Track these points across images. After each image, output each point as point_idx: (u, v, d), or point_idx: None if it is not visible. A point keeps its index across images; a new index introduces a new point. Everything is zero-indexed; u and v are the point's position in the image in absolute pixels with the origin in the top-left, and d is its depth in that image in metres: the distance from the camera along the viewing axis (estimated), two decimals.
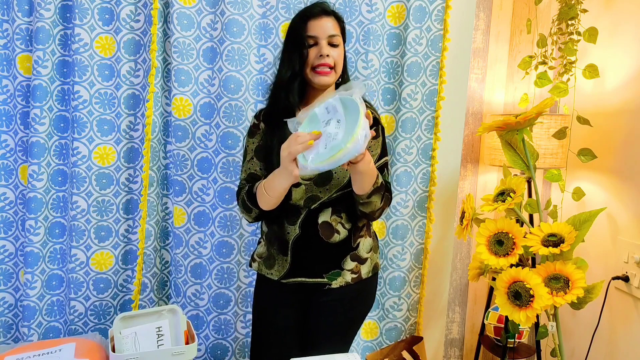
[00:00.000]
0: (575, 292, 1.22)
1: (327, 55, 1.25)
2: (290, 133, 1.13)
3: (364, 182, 1.20)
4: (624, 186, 1.62)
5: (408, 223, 1.88)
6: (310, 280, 1.33)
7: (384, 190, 1.28)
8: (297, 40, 1.28)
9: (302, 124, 1.13)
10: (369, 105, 1.38)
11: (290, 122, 1.14)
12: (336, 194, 1.30)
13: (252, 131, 1.37)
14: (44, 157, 1.65)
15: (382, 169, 1.34)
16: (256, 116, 1.38)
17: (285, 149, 1.10)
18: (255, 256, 1.43)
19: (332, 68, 1.27)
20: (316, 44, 1.26)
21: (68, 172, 1.70)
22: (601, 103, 1.72)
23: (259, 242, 1.44)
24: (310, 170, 1.07)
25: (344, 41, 1.34)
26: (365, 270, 1.37)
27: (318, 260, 1.33)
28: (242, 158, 1.72)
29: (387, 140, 1.41)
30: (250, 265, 1.45)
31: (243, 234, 1.79)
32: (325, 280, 1.33)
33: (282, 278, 1.34)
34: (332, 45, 1.27)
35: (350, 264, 1.34)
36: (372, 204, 1.25)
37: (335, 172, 1.28)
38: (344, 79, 1.37)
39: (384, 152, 1.36)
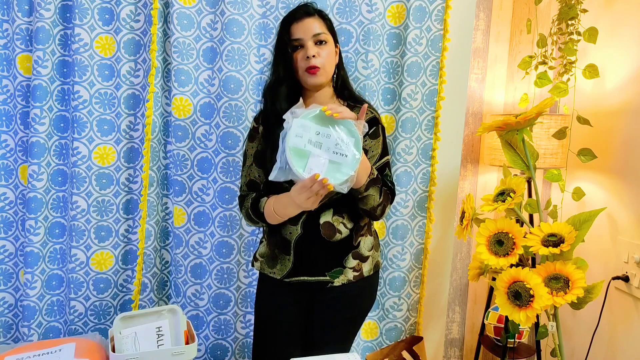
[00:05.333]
0: (575, 292, 1.22)
1: (314, 56, 1.25)
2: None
3: (358, 174, 1.19)
4: (624, 186, 1.62)
5: (408, 223, 1.88)
6: (313, 278, 1.33)
7: (381, 184, 1.28)
8: (282, 46, 1.29)
9: (286, 155, 1.12)
10: (369, 106, 1.38)
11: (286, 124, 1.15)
12: (337, 195, 1.30)
13: (251, 135, 1.38)
14: (44, 157, 1.65)
15: (384, 168, 1.34)
16: (255, 119, 1.39)
17: (307, 199, 1.14)
18: (257, 255, 1.43)
19: (322, 67, 1.26)
20: (302, 46, 1.26)
21: (68, 172, 1.71)
22: (601, 103, 1.72)
23: (261, 242, 1.44)
24: (344, 186, 1.14)
25: (335, 39, 1.34)
26: (366, 268, 1.37)
27: (320, 259, 1.33)
28: (241, 160, 1.73)
29: (387, 140, 1.42)
30: (253, 265, 1.45)
31: (243, 234, 1.79)
32: (328, 278, 1.33)
33: (285, 277, 1.35)
34: (319, 43, 1.27)
35: (352, 262, 1.34)
36: (370, 198, 1.25)
37: None
38: (339, 76, 1.36)
39: (384, 151, 1.36)
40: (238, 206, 1.38)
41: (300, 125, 1.11)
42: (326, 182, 1.09)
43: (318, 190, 1.11)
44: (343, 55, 1.62)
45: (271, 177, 1.14)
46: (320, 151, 1.12)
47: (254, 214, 1.30)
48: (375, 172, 1.25)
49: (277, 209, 1.24)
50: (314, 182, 1.09)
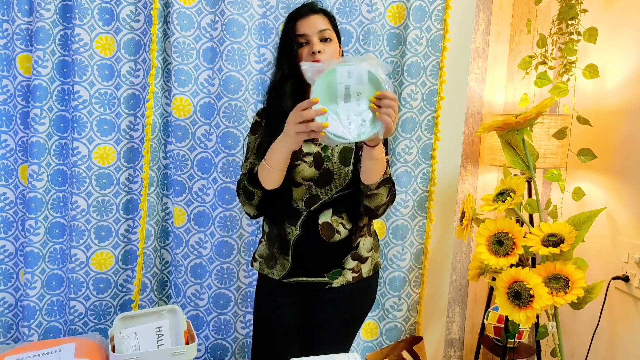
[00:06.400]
0: (575, 292, 1.22)
1: (319, 52, 1.23)
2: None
3: (375, 169, 1.19)
4: (624, 186, 1.62)
5: (408, 223, 1.88)
6: (311, 279, 1.33)
7: (391, 184, 1.27)
8: (286, 43, 1.28)
9: (319, 76, 1.06)
10: None
11: (308, 66, 1.08)
12: (337, 195, 1.30)
13: (254, 128, 1.37)
14: (44, 157, 1.65)
15: None
16: (258, 114, 1.38)
17: (294, 123, 1.07)
18: (256, 256, 1.43)
19: None
20: (307, 42, 1.26)
21: (68, 172, 1.71)
22: (601, 103, 1.72)
23: (260, 242, 1.44)
24: (332, 142, 1.07)
25: (339, 38, 1.33)
26: (366, 269, 1.37)
27: (319, 260, 1.33)
28: (242, 157, 1.73)
29: (388, 140, 1.43)
30: (252, 265, 1.45)
31: (243, 234, 1.79)
32: (326, 279, 1.33)
33: (284, 278, 1.34)
34: (324, 40, 1.26)
35: (351, 263, 1.34)
36: (378, 196, 1.24)
37: (337, 174, 1.28)
38: None
39: (385, 151, 1.35)
40: (236, 191, 1.35)
41: (359, 69, 1.06)
42: (325, 126, 1.04)
43: (309, 122, 1.05)
44: (344, 55, 1.62)
45: (303, 66, 1.08)
46: (343, 103, 1.07)
47: (251, 182, 1.24)
48: (389, 172, 1.24)
49: (267, 156, 1.19)
50: (310, 104, 1.05)
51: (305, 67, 1.08)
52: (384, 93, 1.06)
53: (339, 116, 1.07)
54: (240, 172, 1.41)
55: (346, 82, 1.06)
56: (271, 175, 1.20)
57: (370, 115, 1.08)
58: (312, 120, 1.05)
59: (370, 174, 1.20)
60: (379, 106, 1.06)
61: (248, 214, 1.32)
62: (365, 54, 1.09)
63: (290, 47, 1.27)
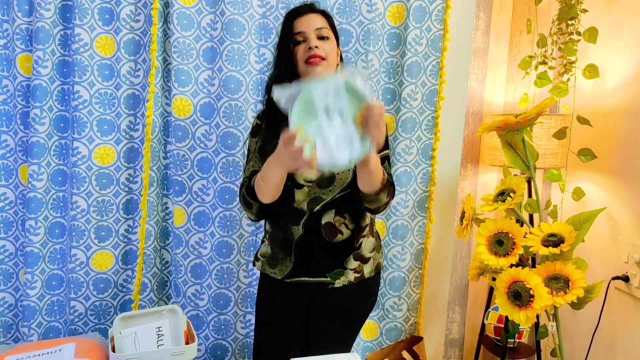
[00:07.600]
0: (575, 292, 1.22)
1: (317, 47, 1.23)
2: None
3: (373, 181, 1.19)
4: (624, 186, 1.62)
5: (408, 223, 1.88)
6: (314, 279, 1.33)
7: (389, 185, 1.27)
8: (284, 41, 1.29)
9: (294, 104, 1.00)
10: None
11: (279, 92, 1.01)
12: (339, 195, 1.30)
13: (254, 131, 1.37)
14: (44, 157, 1.65)
15: (383, 161, 1.33)
16: (258, 116, 1.39)
17: (285, 159, 1.06)
18: (258, 255, 1.43)
19: (325, 59, 1.25)
20: (305, 40, 1.26)
21: (68, 172, 1.71)
22: (601, 103, 1.72)
23: (262, 242, 1.44)
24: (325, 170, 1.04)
25: (337, 39, 1.34)
26: (368, 269, 1.37)
27: (321, 260, 1.33)
28: (242, 158, 1.73)
29: (388, 137, 1.44)
30: (254, 264, 1.45)
31: (243, 234, 1.79)
32: (328, 279, 1.33)
33: (286, 277, 1.34)
34: (322, 38, 1.26)
35: (353, 264, 1.34)
36: (379, 200, 1.25)
37: (338, 174, 1.28)
38: None
39: (385, 145, 1.34)
40: (239, 197, 1.36)
41: (334, 84, 0.99)
42: (313, 161, 1.01)
43: (297, 152, 1.01)
44: (343, 55, 1.62)
45: (275, 93, 1.03)
46: (327, 125, 1.01)
47: (248, 194, 1.26)
48: (385, 177, 1.24)
49: (262, 175, 1.19)
50: (293, 138, 0.99)
51: (277, 93, 1.02)
52: (369, 106, 1.02)
53: (327, 141, 1.01)
54: (242, 175, 1.41)
55: (325, 101, 1.00)
56: (267, 192, 1.21)
57: (357, 133, 1.02)
58: (300, 152, 1.00)
59: (369, 185, 1.20)
60: (366, 121, 1.02)
61: (250, 218, 1.33)
62: (339, 68, 1.06)
63: (287, 46, 1.28)
